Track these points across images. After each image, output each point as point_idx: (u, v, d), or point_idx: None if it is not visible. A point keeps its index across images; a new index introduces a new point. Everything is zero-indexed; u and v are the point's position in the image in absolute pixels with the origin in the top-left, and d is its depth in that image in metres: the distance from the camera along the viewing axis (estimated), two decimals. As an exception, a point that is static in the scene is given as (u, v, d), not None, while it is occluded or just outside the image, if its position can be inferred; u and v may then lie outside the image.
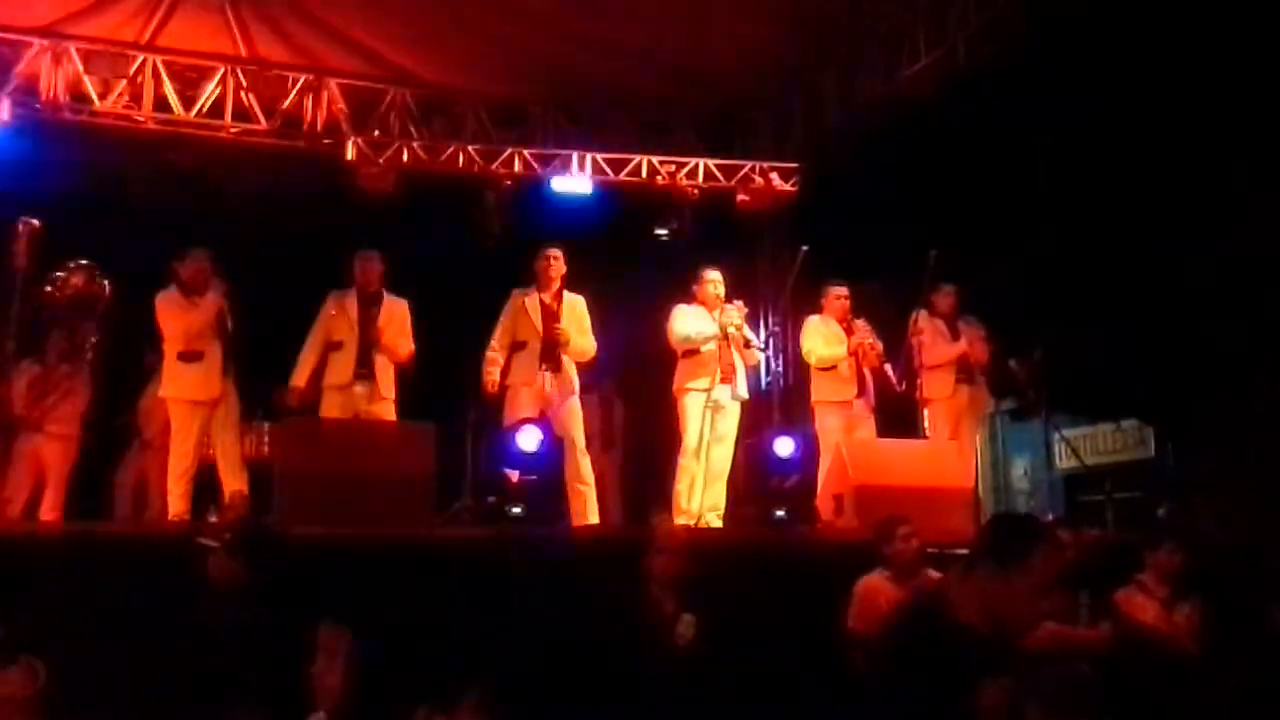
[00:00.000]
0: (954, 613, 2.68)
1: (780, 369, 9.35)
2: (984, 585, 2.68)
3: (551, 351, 6.83)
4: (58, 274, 6.75)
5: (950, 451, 7.14)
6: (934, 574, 5.22)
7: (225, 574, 4.37)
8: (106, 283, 6.72)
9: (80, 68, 8.01)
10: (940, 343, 7.46)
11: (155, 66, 8.21)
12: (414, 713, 2.65)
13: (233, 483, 6.51)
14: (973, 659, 2.61)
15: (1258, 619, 4.80)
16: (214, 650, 4.04)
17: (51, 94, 7.94)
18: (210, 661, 4.01)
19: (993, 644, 2.64)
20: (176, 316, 6.51)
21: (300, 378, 6.77)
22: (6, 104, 7.75)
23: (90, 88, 8.04)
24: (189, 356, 6.49)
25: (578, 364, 7.02)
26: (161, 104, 8.22)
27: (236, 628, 4.13)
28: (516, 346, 6.90)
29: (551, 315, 6.90)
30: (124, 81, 8.14)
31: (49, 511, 6.68)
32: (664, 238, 9.09)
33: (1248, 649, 4.61)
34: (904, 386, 7.40)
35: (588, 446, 7.03)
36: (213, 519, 6.26)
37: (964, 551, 5.98)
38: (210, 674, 3.93)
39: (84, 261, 6.62)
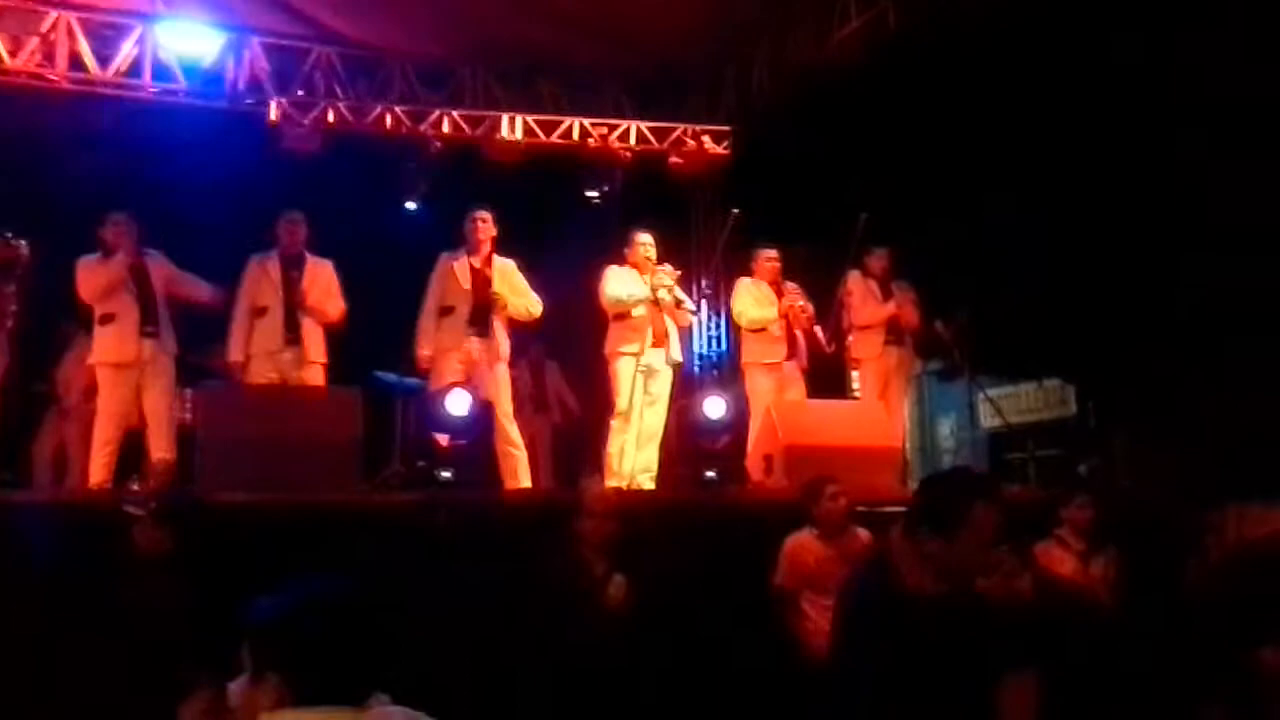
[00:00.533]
0: (900, 577, 2.72)
1: (715, 332, 9.40)
2: (925, 547, 2.71)
3: (481, 316, 6.76)
4: None
5: (878, 411, 7.23)
6: (862, 532, 5.32)
7: (150, 543, 4.31)
8: (23, 244, 6.50)
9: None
10: (870, 303, 7.54)
11: (69, 24, 7.95)
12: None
13: (159, 450, 6.34)
14: (926, 622, 2.63)
15: (1175, 572, 4.94)
16: (140, 620, 3.99)
17: (-44, 52, 7.67)
18: (136, 632, 3.96)
19: (943, 605, 2.67)
20: (87, 278, 6.35)
21: (238, 351, 6.65)
22: (-90, 62, 7.48)
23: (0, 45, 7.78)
24: (105, 319, 6.36)
25: (524, 323, 6.96)
26: (76, 62, 7.98)
27: (160, 598, 4.09)
28: (444, 311, 6.82)
29: (482, 279, 6.83)
30: (35, 39, 7.88)
31: None
32: (595, 200, 9.05)
33: (1162, 601, 4.74)
34: (833, 347, 7.48)
35: (520, 410, 6.99)
36: (134, 486, 6.13)
37: (893, 509, 6.13)
38: (138, 643, 3.89)
39: None
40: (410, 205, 8.80)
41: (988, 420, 8.89)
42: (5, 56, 7.81)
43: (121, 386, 6.35)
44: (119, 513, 4.43)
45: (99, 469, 6.25)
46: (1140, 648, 4.42)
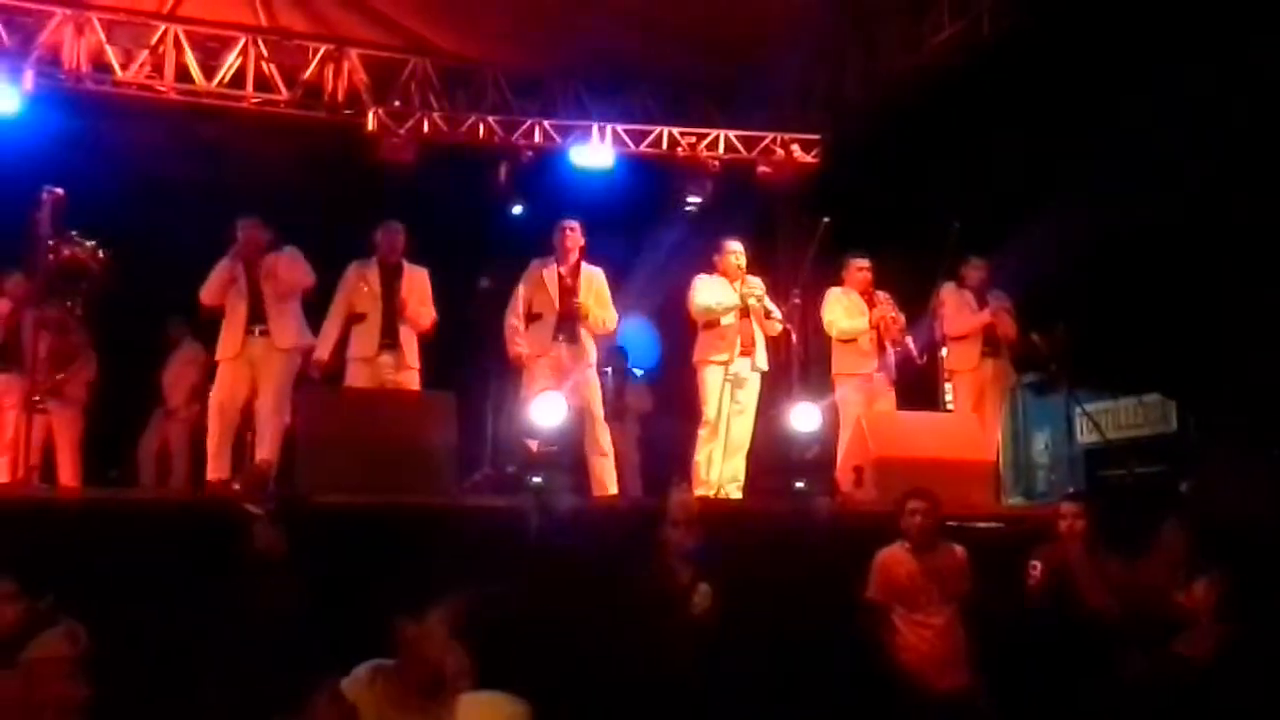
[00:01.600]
0: (1083, 597, 2.55)
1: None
2: (1109, 569, 2.56)
3: (567, 324, 6.82)
4: (57, 243, 6.69)
5: (972, 424, 7.10)
6: (958, 548, 5.23)
7: (266, 543, 4.42)
8: (101, 254, 6.64)
9: (103, 38, 8.05)
10: (965, 313, 7.41)
11: (177, 36, 8.23)
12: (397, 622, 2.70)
13: (263, 450, 6.44)
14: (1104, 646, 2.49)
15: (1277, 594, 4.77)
16: (258, 619, 4.07)
17: (74, 64, 7.99)
18: (255, 630, 4.05)
19: (1123, 630, 2.52)
20: (208, 281, 6.55)
21: (324, 350, 6.75)
22: (30, 74, 7.79)
23: (112, 58, 8.07)
24: (222, 316, 6.57)
25: (599, 335, 7.01)
26: (183, 74, 8.25)
27: (278, 596, 4.18)
28: (532, 318, 6.89)
29: (568, 288, 6.88)
30: (145, 52, 8.19)
31: (69, 480, 6.73)
32: (692, 208, 9.03)
33: (1268, 624, 4.57)
34: (924, 359, 7.37)
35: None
36: (235, 486, 6.28)
37: (986, 525, 6.01)
38: (256, 642, 3.98)
39: (74, 233, 6.55)
40: (515, 210, 8.86)
41: (1085, 435, 8.67)
42: (118, 69, 8.12)
43: (234, 381, 6.49)
44: (238, 511, 4.53)
45: (216, 465, 6.39)
46: (1247, 673, 4.27)
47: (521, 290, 6.92)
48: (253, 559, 4.38)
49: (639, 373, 9.04)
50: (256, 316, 6.52)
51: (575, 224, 6.99)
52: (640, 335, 8.48)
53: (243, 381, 6.50)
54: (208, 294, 6.55)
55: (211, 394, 6.56)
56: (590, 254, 7.02)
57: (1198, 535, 5.14)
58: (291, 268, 6.62)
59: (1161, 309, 7.28)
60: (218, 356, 6.58)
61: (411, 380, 6.82)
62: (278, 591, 4.14)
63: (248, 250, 6.54)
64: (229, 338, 6.52)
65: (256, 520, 4.44)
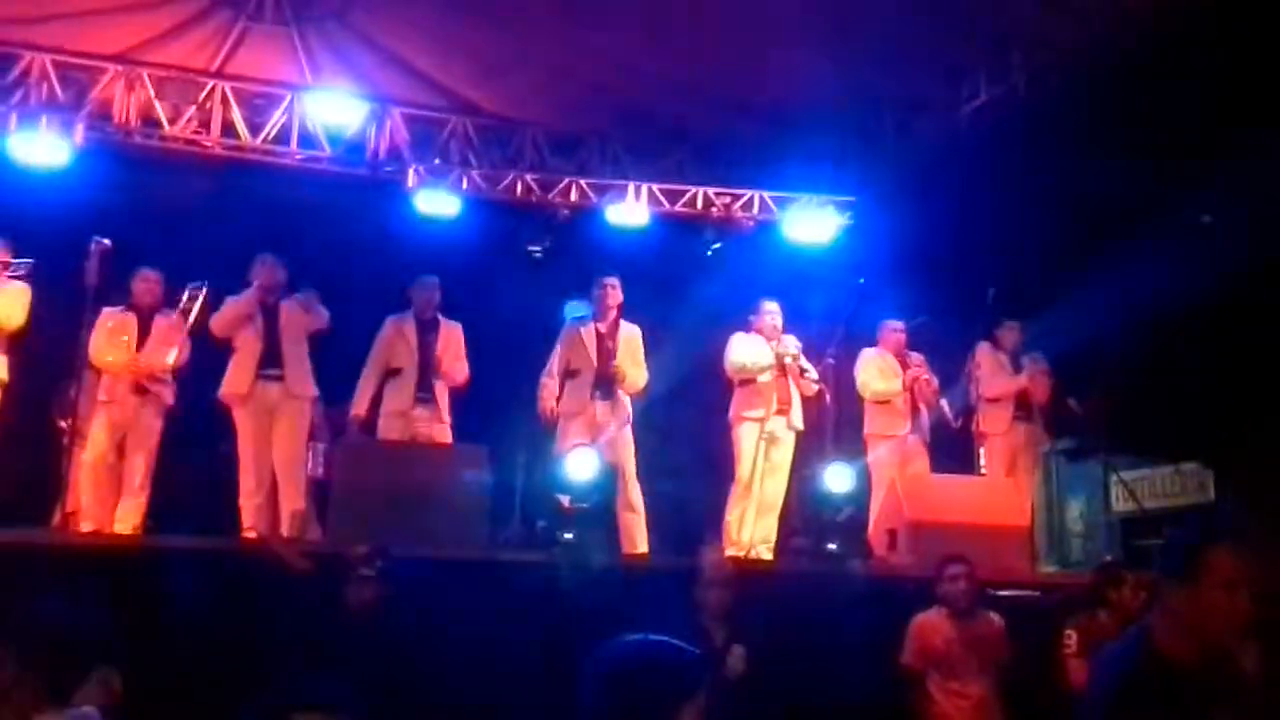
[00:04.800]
0: (1163, 648, 2.41)
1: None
2: (1170, 601, 2.44)
3: (604, 381, 6.84)
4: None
5: (1006, 489, 7.05)
6: (995, 616, 5.17)
7: (370, 600, 4.46)
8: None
9: (152, 93, 8.23)
10: (1000, 376, 7.40)
11: (224, 93, 8.41)
12: None
13: (291, 501, 6.42)
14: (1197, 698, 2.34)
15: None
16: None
17: (124, 118, 8.17)
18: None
19: (1208, 674, 2.37)
20: (220, 311, 6.55)
21: (361, 406, 6.81)
22: (80, 128, 7.97)
23: (161, 113, 8.25)
24: (231, 350, 6.59)
25: (631, 395, 7.01)
26: (229, 129, 8.42)
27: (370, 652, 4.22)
28: (570, 374, 6.93)
29: (607, 347, 6.91)
30: (193, 107, 8.35)
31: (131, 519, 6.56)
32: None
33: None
34: (959, 422, 7.33)
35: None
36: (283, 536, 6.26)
37: (1021, 593, 5.93)
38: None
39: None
40: (535, 252, 8.91)
41: (1120, 504, 8.52)
42: (165, 123, 8.29)
43: (254, 428, 6.43)
44: (348, 571, 4.55)
45: (250, 517, 6.32)
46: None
47: (559, 350, 6.95)
48: (351, 615, 4.43)
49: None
50: (271, 360, 6.50)
51: (615, 280, 7.03)
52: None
53: (265, 429, 6.46)
54: (221, 324, 6.53)
55: (241, 446, 6.47)
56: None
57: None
58: (309, 307, 6.64)
59: (1200, 377, 7.21)
60: (223, 392, 6.52)
61: (444, 434, 6.86)
62: (371, 646, 4.18)
63: (266, 288, 6.57)
64: (238, 375, 6.49)
65: (362, 581, 4.49)
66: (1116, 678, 2.47)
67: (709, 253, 9.13)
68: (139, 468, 6.41)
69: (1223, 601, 2.37)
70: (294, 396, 6.53)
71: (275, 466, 6.50)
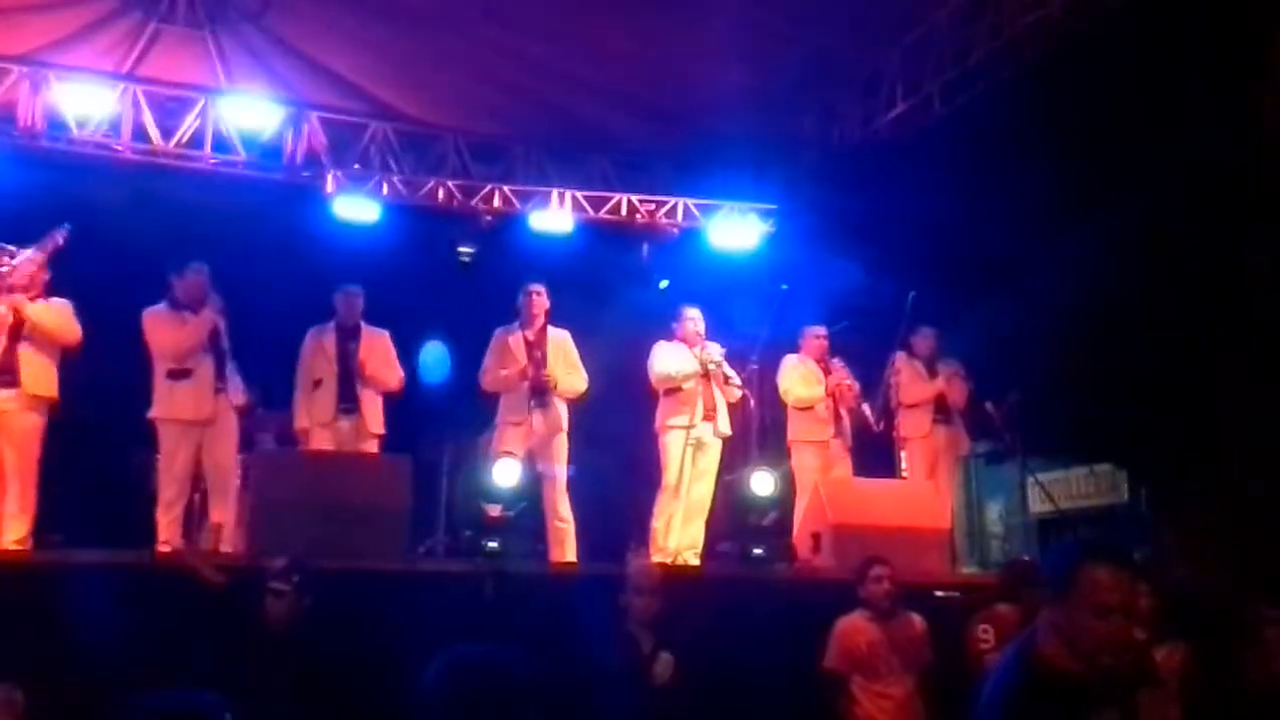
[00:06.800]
0: (1048, 657, 2.45)
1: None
2: (1050, 614, 2.49)
3: (537, 390, 6.78)
4: None
5: (927, 492, 7.15)
6: (916, 617, 5.23)
7: (286, 615, 4.35)
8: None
9: (58, 96, 7.98)
10: (918, 382, 7.50)
11: (135, 96, 8.20)
12: None
13: (219, 513, 6.20)
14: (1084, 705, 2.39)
15: (1232, 664, 4.80)
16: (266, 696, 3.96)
17: (29, 121, 7.91)
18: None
19: (1088, 681, 2.42)
20: (165, 333, 6.15)
21: (302, 419, 6.71)
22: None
23: (68, 116, 8.01)
24: (179, 374, 6.11)
25: (569, 401, 6.93)
26: (140, 133, 8.20)
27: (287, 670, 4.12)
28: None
29: (535, 354, 6.85)
30: (103, 110, 8.12)
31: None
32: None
33: (1229, 694, 4.60)
34: (880, 426, 7.43)
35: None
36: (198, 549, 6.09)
37: (942, 593, 6.02)
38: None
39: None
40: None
41: (1038, 505, 8.73)
42: (74, 127, 8.05)
43: (188, 445, 6.12)
44: (263, 587, 4.44)
45: (167, 530, 6.02)
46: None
47: (488, 361, 6.87)
48: (270, 632, 4.35)
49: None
50: (220, 376, 6.22)
51: (541, 287, 6.97)
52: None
53: (196, 444, 6.16)
54: (167, 348, 6.20)
55: (166, 459, 6.16)
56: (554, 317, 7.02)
57: (1160, 603, 5.20)
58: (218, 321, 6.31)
59: (1113, 380, 7.40)
60: (175, 416, 6.12)
61: (373, 447, 6.74)
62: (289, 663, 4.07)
63: (205, 302, 6.27)
64: (196, 401, 6.11)
65: (279, 596, 4.38)
66: (1004, 689, 2.52)
67: (644, 261, 9.14)
68: (16, 470, 5.88)
69: (1094, 624, 2.41)
70: (231, 408, 6.28)
71: (208, 476, 6.28)
